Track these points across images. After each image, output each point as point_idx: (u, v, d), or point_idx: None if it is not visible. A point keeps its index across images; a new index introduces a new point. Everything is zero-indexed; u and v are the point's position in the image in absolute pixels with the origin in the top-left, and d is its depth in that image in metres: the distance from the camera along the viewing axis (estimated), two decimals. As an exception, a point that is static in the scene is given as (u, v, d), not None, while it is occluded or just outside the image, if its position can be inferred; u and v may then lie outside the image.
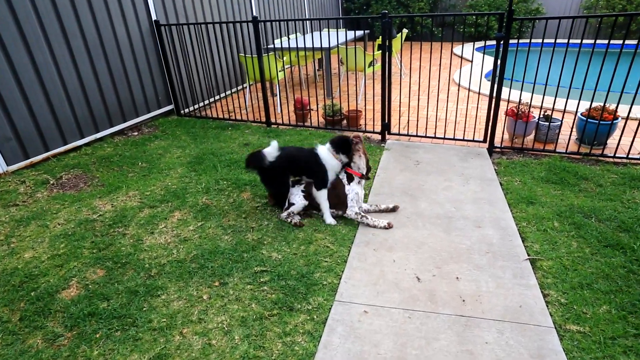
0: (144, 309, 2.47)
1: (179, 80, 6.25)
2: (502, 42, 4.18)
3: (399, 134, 5.21)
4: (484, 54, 4.68)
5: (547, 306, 2.45)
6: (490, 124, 4.67)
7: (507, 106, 4.92)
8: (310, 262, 2.87)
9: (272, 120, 5.87)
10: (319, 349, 2.21)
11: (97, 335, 2.28)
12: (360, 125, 5.61)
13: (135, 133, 5.64)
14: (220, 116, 6.20)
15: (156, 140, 5.31)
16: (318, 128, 5.60)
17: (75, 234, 3.21)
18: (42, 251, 3.00)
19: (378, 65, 7.03)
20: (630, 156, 4.31)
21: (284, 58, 6.18)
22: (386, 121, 5.12)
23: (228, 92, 7.33)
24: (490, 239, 3.10)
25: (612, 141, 4.65)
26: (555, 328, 2.31)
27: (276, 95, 6.77)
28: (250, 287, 2.64)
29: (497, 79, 4.39)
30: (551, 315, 2.39)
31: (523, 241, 3.06)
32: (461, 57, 5.38)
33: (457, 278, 2.69)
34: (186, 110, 6.47)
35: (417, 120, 5.43)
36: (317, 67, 7.38)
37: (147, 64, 5.80)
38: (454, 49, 11.28)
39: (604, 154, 4.43)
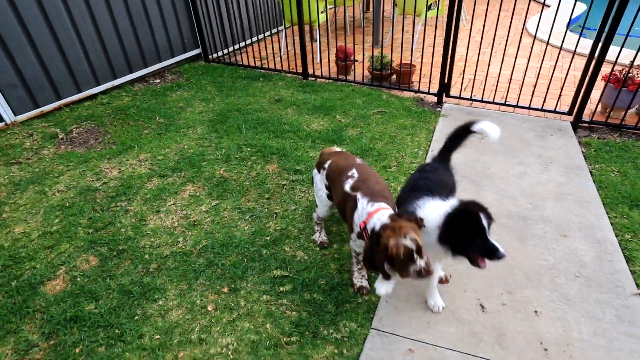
0: (136, 317, 2.02)
1: (208, 22, 5.49)
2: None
3: (459, 97, 4.30)
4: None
5: (670, 372, 1.77)
6: (582, 90, 3.67)
7: (611, 69, 3.84)
8: (343, 267, 2.29)
9: (310, 71, 5.07)
10: (346, 403, 1.68)
11: (77, 350, 1.87)
12: (413, 82, 4.72)
13: (157, 80, 5.07)
14: (252, 64, 5.46)
15: (178, 90, 4.73)
16: (362, 84, 4.77)
17: (74, 205, 2.78)
18: (35, 226, 2.60)
19: (437, 9, 5.88)
20: None
21: (327, -3, 5.22)
22: (445, 81, 4.21)
23: (262, 36, 6.50)
24: (581, 255, 2.36)
25: None
26: (683, 410, 1.64)
27: (316, 40, 5.89)
28: (267, 299, 2.12)
29: (605, 32, 3.33)
30: (677, 389, 1.71)
31: (628, 263, 2.30)
32: (543, 4, 4.23)
33: (536, 312, 2.03)
34: (215, 55, 5.77)
35: (485, 81, 4.45)
36: (364, 9, 6.33)
37: (170, 2, 5.06)
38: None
39: None
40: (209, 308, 2.08)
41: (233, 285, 2.19)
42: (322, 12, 5.50)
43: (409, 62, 4.67)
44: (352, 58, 4.99)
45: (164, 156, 3.36)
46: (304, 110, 4.11)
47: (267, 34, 6.63)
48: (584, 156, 3.33)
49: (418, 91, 4.49)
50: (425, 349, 1.88)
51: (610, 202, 2.78)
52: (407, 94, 4.51)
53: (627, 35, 3.30)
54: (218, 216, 2.68)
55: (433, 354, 1.85)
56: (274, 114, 4.05)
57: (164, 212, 2.72)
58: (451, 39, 3.94)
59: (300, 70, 5.10)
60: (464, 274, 2.24)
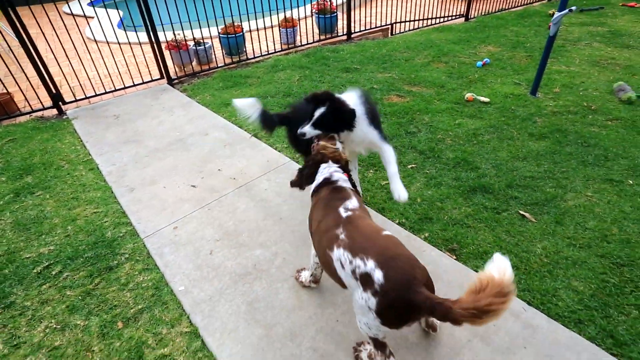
0: None
1: None
2: (132, -19, 4.45)
3: (76, 100, 4.79)
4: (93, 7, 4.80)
5: (282, 152, 3.51)
6: (161, 62, 5.07)
7: (167, 42, 5.40)
8: (93, 226, 2.72)
9: None
10: (163, 272, 2.39)
11: None
12: (20, 108, 4.71)
13: None
14: None
15: None
16: (-38, 132, 4.30)
17: None
18: None
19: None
20: (262, 54, 5.90)
21: None
22: (54, 91, 4.56)
23: None
24: (221, 137, 3.82)
25: (249, 49, 6.09)
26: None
27: None
28: (49, 285, 2.32)
29: (149, 25, 4.72)
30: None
31: (240, 127, 3.97)
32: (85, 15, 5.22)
33: (220, 170, 3.32)
34: None
35: (86, 82, 5.11)
36: None
37: None
38: (63, 8, 10.18)
39: (247, 57, 5.83)
40: (-2, 330, 2.08)
41: (4, 303, 2.21)
42: None
43: (7, 91, 4.59)
44: None
45: None
46: None
47: None
48: (188, 96, 4.82)
49: (32, 112, 4.60)
50: (182, 222, 2.78)
51: (216, 109, 4.39)
52: (23, 118, 4.53)
53: (162, 24, 4.85)
54: None
55: (188, 220, 2.79)
56: None
57: None
58: (35, 57, 4.29)
59: None
60: (171, 183, 3.19)
